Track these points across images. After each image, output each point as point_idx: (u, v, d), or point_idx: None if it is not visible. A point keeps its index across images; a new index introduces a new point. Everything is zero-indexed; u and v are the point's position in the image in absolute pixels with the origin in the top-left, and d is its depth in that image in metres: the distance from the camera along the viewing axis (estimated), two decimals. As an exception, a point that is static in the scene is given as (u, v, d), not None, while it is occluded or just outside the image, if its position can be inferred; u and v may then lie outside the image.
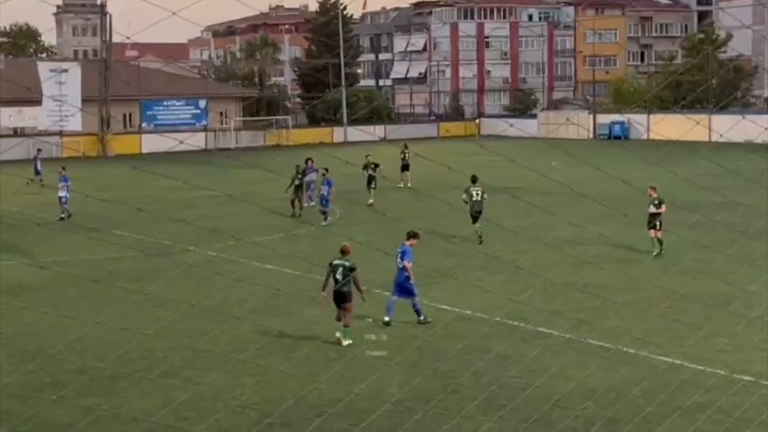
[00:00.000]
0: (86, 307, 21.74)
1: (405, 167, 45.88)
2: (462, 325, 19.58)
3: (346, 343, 18.27)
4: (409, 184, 44.04)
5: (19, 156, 61.13)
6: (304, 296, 21.77)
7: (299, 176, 36.98)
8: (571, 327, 18.79)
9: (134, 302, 21.58)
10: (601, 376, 15.73)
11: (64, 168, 38.13)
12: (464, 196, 30.00)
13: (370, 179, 39.76)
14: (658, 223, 27.32)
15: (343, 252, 18.81)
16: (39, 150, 53.26)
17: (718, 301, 20.55)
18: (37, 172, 49.85)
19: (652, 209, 27.45)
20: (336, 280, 18.45)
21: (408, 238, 20.28)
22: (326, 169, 34.74)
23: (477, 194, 30.00)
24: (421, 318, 19.74)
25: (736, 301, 20.78)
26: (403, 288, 19.73)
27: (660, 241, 27.31)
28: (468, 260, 25.96)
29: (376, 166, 40.01)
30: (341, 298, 18.33)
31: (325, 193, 34.49)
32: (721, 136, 42.02)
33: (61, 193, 36.36)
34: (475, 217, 29.75)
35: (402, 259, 19.78)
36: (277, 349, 18.15)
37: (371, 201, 38.72)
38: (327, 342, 18.35)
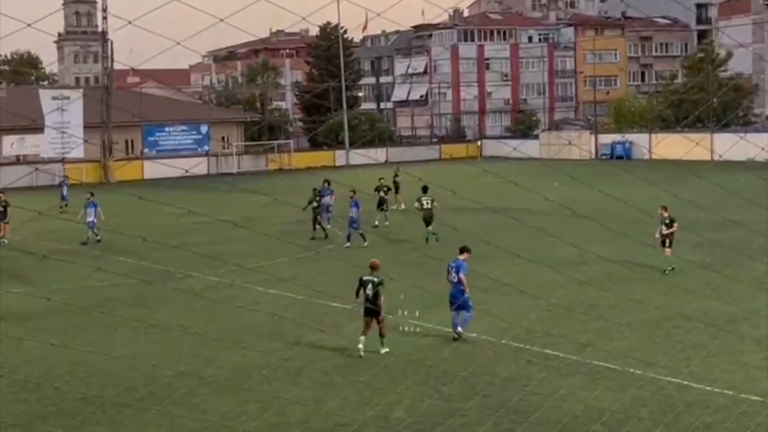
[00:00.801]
0: (90, 335, 21.71)
1: (397, 189, 46.01)
2: (468, 348, 19.52)
3: (384, 351, 19.00)
4: (402, 206, 44.25)
5: (23, 184, 61.30)
6: (308, 321, 21.76)
7: (317, 198, 37.29)
8: (577, 349, 18.73)
9: (138, 329, 21.56)
10: (609, 398, 15.67)
11: (92, 194, 38.64)
12: (416, 204, 35.08)
13: (381, 201, 39.88)
14: (668, 241, 27.55)
15: (373, 268, 19.52)
16: (65, 176, 53.74)
17: (722, 321, 20.50)
18: (63, 198, 50.23)
19: (664, 229, 27.68)
20: (366, 296, 19.19)
21: (461, 253, 20.91)
22: (353, 191, 35.10)
23: (427, 202, 34.78)
24: (459, 329, 20.16)
25: (740, 320, 20.75)
26: (457, 301, 20.23)
27: (669, 260, 27.47)
28: (472, 282, 25.82)
29: (388, 189, 40.36)
30: (372, 313, 19.03)
31: (354, 215, 34.78)
32: (719, 156, 42.03)
33: (89, 218, 37.11)
34: (428, 221, 34.44)
35: (457, 273, 20.41)
36: (282, 375, 18.08)
37: (377, 222, 38.95)
38: (333, 367, 18.28)
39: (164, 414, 15.85)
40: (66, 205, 48.83)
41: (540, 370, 17.36)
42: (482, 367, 17.77)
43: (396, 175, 46.55)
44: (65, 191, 50.98)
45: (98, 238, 37.49)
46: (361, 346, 18.89)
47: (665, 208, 27.89)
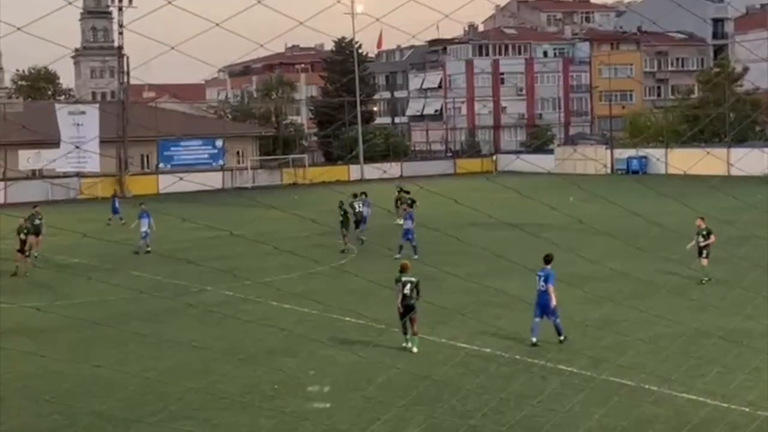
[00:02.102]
0: (102, 349, 21.68)
1: (398, 205, 46.03)
2: (481, 363, 19.39)
3: (416, 350, 20.25)
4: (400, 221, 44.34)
5: (38, 198, 61.41)
6: (321, 336, 21.68)
7: (343, 212, 37.67)
8: (591, 364, 18.59)
9: (150, 343, 21.48)
10: (623, 414, 15.52)
11: (144, 204, 39.71)
12: (349, 209, 38.64)
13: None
14: (705, 252, 28.26)
15: (404, 269, 21.00)
16: (115, 190, 53.99)
17: (738, 336, 20.28)
18: (116, 211, 50.65)
19: (701, 240, 28.39)
20: (404, 295, 20.58)
21: (547, 262, 21.46)
22: (412, 203, 35.26)
23: (359, 206, 39.53)
24: (562, 337, 20.88)
25: (756, 335, 20.54)
26: (547, 309, 20.93)
27: (706, 271, 28.19)
28: (485, 297, 25.74)
29: (413, 202, 40.57)
30: (410, 310, 20.42)
31: (409, 227, 35.10)
32: (730, 167, 41.85)
33: (142, 228, 38.23)
34: (357, 224, 38.79)
35: (546, 282, 21.05)
36: (294, 390, 17.99)
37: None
38: (345, 382, 18.18)
39: (176, 429, 15.78)
40: (119, 219, 49.43)
41: (557, 387, 17.21)
42: (496, 383, 17.64)
43: (400, 191, 46.69)
44: (117, 204, 51.39)
45: (149, 248, 38.15)
46: (408, 344, 20.41)
47: (703, 219, 28.65)
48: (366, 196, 40.84)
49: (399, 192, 46.62)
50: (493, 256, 32.34)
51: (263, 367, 19.21)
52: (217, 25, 7.54)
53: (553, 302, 20.96)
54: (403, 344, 20.43)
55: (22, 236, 33.43)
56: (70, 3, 7.09)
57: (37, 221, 36.57)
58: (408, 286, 20.63)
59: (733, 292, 24.22)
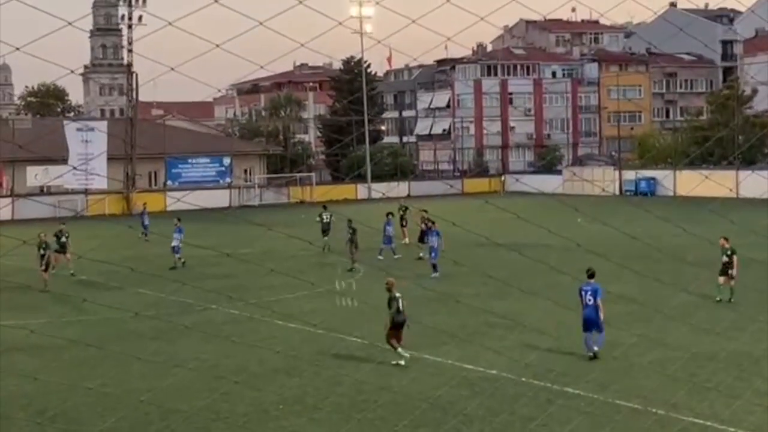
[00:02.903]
0: (108, 367, 21.58)
1: (404, 224, 46.45)
2: (486, 384, 19.26)
3: (403, 362, 20.67)
4: (406, 240, 44.66)
5: (46, 214, 61.47)
6: (326, 355, 21.60)
7: (350, 230, 37.70)
8: (598, 387, 18.46)
9: (155, 362, 21.38)
10: (629, 439, 15.38)
11: (179, 219, 40.42)
12: (317, 218, 43.98)
13: (423, 234, 40.33)
14: (730, 271, 28.53)
15: (392, 286, 21.30)
16: (144, 204, 54.14)
17: (745, 361, 20.17)
18: (144, 227, 50.64)
19: (725, 259, 28.70)
20: (398, 308, 21.05)
21: (591, 276, 21.89)
22: (433, 222, 35.99)
23: (327, 217, 43.88)
24: (597, 349, 21.16)
25: (763, 360, 20.41)
26: (595, 323, 21.26)
27: (731, 290, 28.33)
28: (492, 319, 25.62)
29: (431, 222, 40.38)
30: (403, 324, 21.02)
31: (435, 245, 35.26)
32: (738, 190, 41.77)
33: (174, 243, 38.77)
34: (325, 231, 43.11)
35: (594, 297, 21.39)
36: (299, 410, 17.88)
37: (422, 254, 39.33)
38: (350, 404, 18.07)
39: (179, 449, 15.68)
40: (146, 234, 49.36)
41: (560, 409, 17.09)
42: (501, 406, 17.52)
43: (402, 211, 47.09)
44: (146, 220, 51.46)
45: (183, 261, 38.80)
46: (401, 361, 20.66)
47: (726, 240, 28.95)
48: (392, 216, 41.68)
49: (404, 211, 46.67)
50: (501, 276, 32.32)
51: (268, 386, 19.12)
52: (218, 46, 7.51)
53: (602, 316, 21.34)
54: (395, 362, 20.66)
55: (42, 251, 33.92)
56: (70, 24, 7.04)
57: (63, 239, 36.77)
58: (400, 301, 21.11)
59: (740, 316, 24.13)
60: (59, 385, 19.46)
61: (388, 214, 41.23)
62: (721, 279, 28.64)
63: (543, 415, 16.83)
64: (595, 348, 21.23)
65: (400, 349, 20.86)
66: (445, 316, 25.67)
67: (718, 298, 28.25)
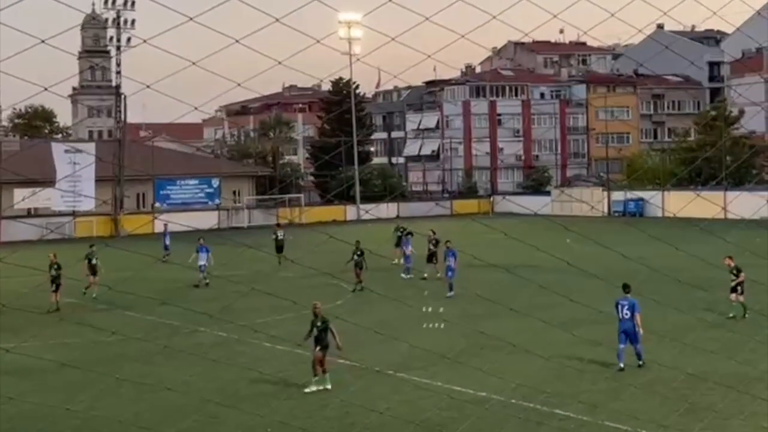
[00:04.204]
0: (95, 390, 21.41)
1: (398, 244, 46.69)
2: (475, 407, 19.15)
3: (329, 386, 20.72)
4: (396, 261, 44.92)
5: (33, 236, 61.30)
6: (312, 377, 21.49)
7: (358, 252, 37.87)
8: (587, 409, 18.37)
9: (143, 385, 21.22)
10: (620, 461, 15.28)
11: (203, 238, 41.76)
12: (273, 236, 48.58)
13: (431, 255, 40.77)
14: (739, 288, 29.30)
15: (318, 311, 21.56)
16: (166, 225, 54.12)
17: (735, 381, 20.09)
18: (166, 248, 51.09)
19: (732, 277, 29.52)
20: (322, 335, 21.17)
21: (627, 290, 22.93)
22: (449, 241, 36.23)
23: (280, 234, 48.67)
24: (641, 362, 22.26)
25: (753, 381, 20.35)
26: (632, 335, 22.31)
27: (744, 306, 29.00)
28: (482, 341, 25.53)
29: (437, 242, 40.80)
30: (326, 349, 21.05)
31: (452, 264, 35.54)
32: (726, 210, 41.85)
33: (201, 262, 39.76)
34: (280, 248, 46.91)
35: (632, 311, 22.39)
36: (287, 433, 17.76)
37: (426, 274, 39.80)
38: (339, 427, 17.95)
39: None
40: (167, 255, 49.78)
41: (548, 431, 17.00)
42: (491, 428, 17.43)
43: (400, 230, 47.37)
44: (167, 240, 51.66)
45: (207, 281, 39.52)
46: (323, 386, 20.66)
47: (731, 258, 29.76)
48: (412, 235, 42.61)
49: (402, 233, 46.78)
50: (489, 296, 32.24)
51: (256, 409, 18.99)
52: (194, 63, 7.46)
53: (641, 330, 22.32)
54: (316, 387, 20.63)
55: (53, 272, 34.16)
56: (43, 41, 6.98)
57: (93, 260, 36.68)
58: (330, 327, 21.14)
59: (730, 337, 24.07)
60: (47, 409, 19.27)
61: (407, 234, 42.67)
62: (732, 296, 29.36)
63: (532, 437, 16.75)
64: (639, 362, 22.20)
65: (321, 378, 20.79)
66: (434, 336, 25.56)
67: (731, 315, 28.92)
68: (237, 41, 7.62)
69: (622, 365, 22.04)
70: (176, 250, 51.19)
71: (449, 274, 35.79)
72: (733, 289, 29.43)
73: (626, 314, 22.43)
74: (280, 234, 49.01)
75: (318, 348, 20.88)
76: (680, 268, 28.70)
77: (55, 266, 34.52)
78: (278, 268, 42.56)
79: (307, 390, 20.44)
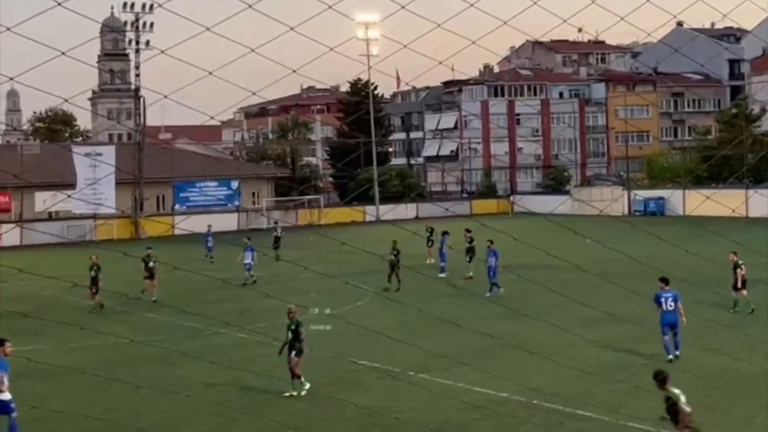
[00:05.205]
0: (116, 392, 21.49)
1: (429, 245, 47.21)
2: (497, 408, 19.09)
3: (304, 392, 20.50)
4: (429, 260, 45.73)
5: (54, 240, 61.59)
6: (333, 379, 21.49)
7: (394, 252, 38.11)
8: (609, 409, 18.28)
9: (164, 386, 21.28)
10: (641, 462, 15.21)
11: (249, 238, 43.73)
12: (273, 233, 52.17)
13: (468, 251, 41.08)
14: (738, 283, 29.80)
15: (293, 314, 21.28)
16: (209, 226, 54.50)
17: (756, 382, 19.97)
18: (209, 249, 51.74)
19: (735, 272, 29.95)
20: (296, 339, 20.90)
21: (666, 283, 23.18)
22: (491, 241, 35.95)
23: (279, 232, 52.80)
24: (678, 353, 22.65)
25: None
26: (674, 326, 22.76)
27: (747, 301, 29.57)
28: (502, 341, 25.46)
29: (472, 240, 41.37)
30: (300, 353, 20.83)
31: (493, 264, 35.65)
32: (748, 208, 41.61)
33: (246, 261, 41.16)
34: (277, 246, 49.28)
35: (675, 302, 22.98)
36: (307, 435, 17.77)
37: (470, 274, 40.04)
38: (359, 428, 17.92)
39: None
40: (211, 257, 50.96)
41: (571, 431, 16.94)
42: (512, 429, 17.36)
43: (429, 230, 47.52)
44: (210, 243, 52.27)
45: (254, 279, 40.67)
46: (297, 391, 20.43)
47: (735, 253, 30.01)
48: (448, 234, 42.94)
49: (431, 233, 46.96)
50: (509, 296, 32.21)
51: (275, 411, 19.00)
52: (210, 73, 7.46)
53: (684, 320, 22.90)
54: (290, 393, 20.46)
55: (92, 273, 34.78)
56: (64, 53, 6.99)
57: (151, 264, 36.94)
58: (301, 330, 20.98)
59: (751, 336, 23.93)
60: (67, 410, 19.33)
61: (444, 233, 42.82)
62: (734, 293, 29.72)
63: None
64: (677, 352, 22.60)
65: (299, 382, 20.66)
66: (454, 338, 25.49)
67: (734, 310, 29.33)
68: (253, 50, 7.61)
69: (671, 356, 22.45)
70: (196, 251, 51.30)
71: (490, 274, 35.80)
72: (742, 286, 29.69)
73: (670, 306, 22.90)
74: (279, 231, 53.52)
75: (293, 353, 20.72)
76: (698, 266, 28.53)
77: (96, 267, 35.06)
78: (299, 269, 42.56)
79: (286, 394, 20.36)
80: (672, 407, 13.77)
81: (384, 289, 36.67)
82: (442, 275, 40.93)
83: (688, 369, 21.20)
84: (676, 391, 13.92)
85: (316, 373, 22.23)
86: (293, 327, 20.96)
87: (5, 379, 17.08)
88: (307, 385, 20.62)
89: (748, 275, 30.16)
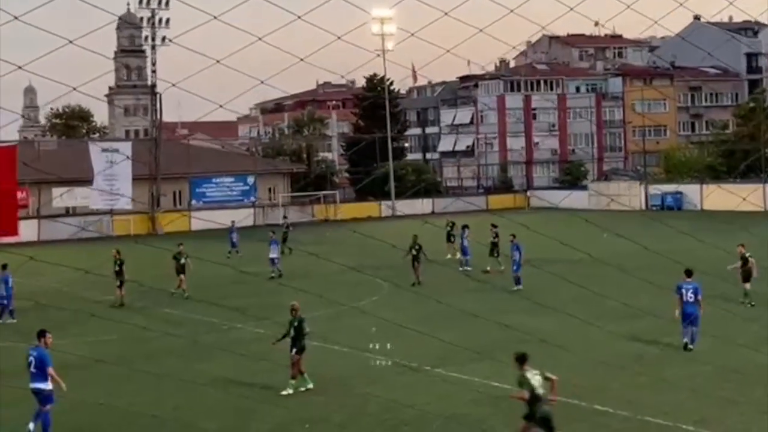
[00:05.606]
0: (135, 386, 21.60)
1: (451, 240, 46.87)
2: (513, 404, 19.04)
3: (311, 385, 20.40)
4: (449, 256, 45.41)
5: (71, 235, 61.87)
6: (351, 373, 21.52)
7: (416, 247, 38.20)
8: (627, 403, 18.25)
9: (182, 381, 21.36)
10: (659, 455, 15.17)
11: (273, 232, 44.77)
12: (284, 228, 50.70)
13: (493, 247, 41.19)
14: (741, 275, 29.97)
15: (295, 311, 21.26)
16: (233, 222, 54.76)
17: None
18: (233, 245, 52.02)
19: (740, 263, 30.10)
20: (300, 336, 20.76)
21: (689, 275, 23.47)
22: (513, 235, 36.01)
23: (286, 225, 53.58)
24: (692, 346, 22.88)
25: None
26: (694, 317, 22.96)
27: (746, 293, 29.74)
28: (519, 335, 25.40)
29: (497, 235, 41.26)
30: (303, 350, 20.73)
31: (517, 258, 35.61)
32: (755, 202, 41.47)
33: (273, 255, 41.81)
34: (285, 240, 48.23)
35: (695, 294, 23.22)
36: (325, 428, 17.80)
37: (501, 268, 39.81)
38: (378, 422, 17.94)
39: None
40: (237, 252, 51.22)
41: (589, 427, 16.92)
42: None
43: (449, 224, 47.33)
44: (235, 238, 52.40)
45: (281, 272, 41.04)
46: (307, 386, 20.37)
47: (743, 246, 30.22)
48: (467, 228, 42.81)
49: (451, 227, 46.85)
50: (531, 291, 32.18)
51: (294, 405, 19.05)
52: (218, 62, 7.48)
53: (702, 312, 23.13)
54: (293, 390, 20.23)
55: (116, 268, 35.12)
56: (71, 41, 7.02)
57: (182, 260, 37.10)
58: (304, 326, 20.86)
59: (758, 326, 23.92)
60: (86, 404, 19.40)
61: (464, 227, 42.76)
62: (746, 285, 29.84)
63: (570, 431, 16.66)
64: (691, 345, 22.83)
65: (301, 377, 20.50)
66: (470, 333, 25.47)
67: (741, 300, 29.40)
68: (260, 38, 7.61)
69: (686, 343, 22.96)
70: (212, 246, 51.36)
71: (514, 268, 35.79)
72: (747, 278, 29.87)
73: (690, 297, 23.07)
74: (288, 227, 54.43)
75: (294, 350, 20.58)
76: (715, 260, 28.47)
77: (119, 262, 35.41)
78: (315, 264, 42.61)
79: (283, 392, 20.12)
80: (523, 384, 15.18)
81: (412, 284, 36.80)
82: (468, 268, 40.87)
83: (707, 361, 21.16)
84: (533, 372, 15.15)
85: (334, 367, 22.28)
86: (296, 323, 20.87)
87: (51, 371, 17.50)
88: (310, 384, 20.51)
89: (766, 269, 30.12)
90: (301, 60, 8.43)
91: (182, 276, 36.82)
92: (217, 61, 7.78)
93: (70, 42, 7.44)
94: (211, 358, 24.43)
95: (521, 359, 15.26)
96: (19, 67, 7.54)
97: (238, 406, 19.15)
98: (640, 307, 24.31)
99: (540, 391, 14.89)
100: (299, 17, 7.72)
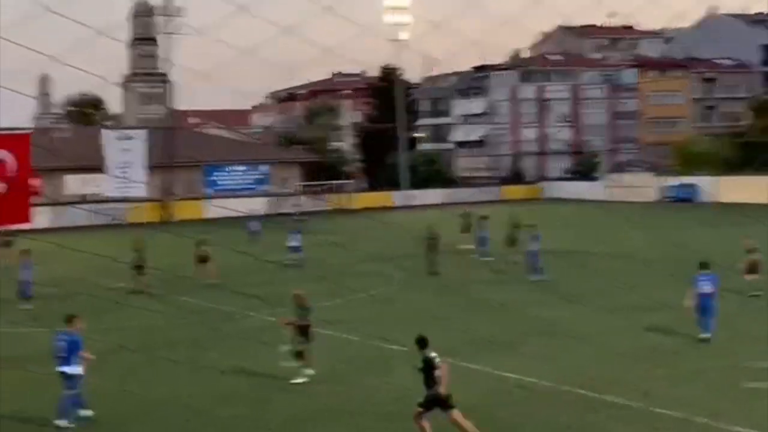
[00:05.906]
0: (151, 374, 21.68)
1: (468, 229, 46.70)
2: (526, 394, 19.09)
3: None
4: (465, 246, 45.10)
5: (84, 222, 62.02)
6: (365, 362, 21.56)
7: (433, 237, 38.21)
8: (641, 395, 18.23)
9: (198, 368, 21.46)
10: (673, 448, 15.18)
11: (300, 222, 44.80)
12: (296, 218, 46.40)
13: (514, 239, 41.02)
14: (744, 267, 29.66)
15: (300, 300, 21.38)
16: (251, 212, 55.04)
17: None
18: (253, 234, 52.33)
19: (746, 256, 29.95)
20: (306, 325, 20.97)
21: (705, 267, 23.37)
22: (533, 225, 36.22)
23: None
24: (708, 335, 22.74)
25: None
26: (710, 309, 22.96)
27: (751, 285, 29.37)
28: (533, 327, 25.44)
29: (517, 225, 41.20)
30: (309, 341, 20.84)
31: (534, 249, 35.40)
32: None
33: (293, 243, 41.85)
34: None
35: (712, 285, 23.13)
36: (337, 418, 17.84)
37: (511, 257, 39.67)
38: (386, 412, 17.98)
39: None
40: (257, 240, 50.99)
41: (600, 417, 16.93)
42: (541, 415, 17.35)
43: (465, 215, 47.39)
44: (254, 226, 52.61)
45: (293, 262, 40.64)
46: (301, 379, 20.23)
47: (748, 238, 30.21)
48: (486, 218, 42.86)
49: (466, 218, 46.94)
50: (546, 283, 32.19)
51: (307, 393, 19.12)
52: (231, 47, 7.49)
53: (716, 302, 23.05)
54: (302, 379, 20.33)
55: (136, 255, 35.27)
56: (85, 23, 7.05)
57: (204, 248, 37.34)
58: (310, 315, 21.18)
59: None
60: (102, 391, 19.46)
61: (482, 218, 42.82)
62: (749, 277, 29.57)
63: (584, 424, 16.68)
64: (707, 334, 22.70)
65: (303, 365, 20.56)
66: (486, 324, 25.50)
67: (750, 294, 29.01)
68: (268, 25, 7.64)
69: (702, 335, 22.82)
70: (229, 234, 51.45)
71: (534, 258, 35.62)
72: (753, 270, 29.67)
73: (706, 290, 23.04)
74: (299, 216, 57.37)
75: (300, 340, 20.68)
76: (729, 252, 28.43)
77: (139, 250, 35.62)
78: (328, 253, 42.74)
79: (293, 381, 20.17)
80: (428, 367, 15.47)
81: (430, 273, 36.70)
82: (487, 258, 40.79)
83: (722, 355, 21.16)
84: (433, 354, 15.49)
85: (348, 356, 22.34)
86: (300, 313, 21.06)
87: (83, 354, 17.83)
88: (310, 371, 20.50)
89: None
90: (309, 41, 8.44)
91: (204, 264, 36.86)
92: (229, 48, 7.79)
93: (83, 24, 7.47)
94: (225, 346, 24.53)
95: (421, 342, 15.70)
96: (34, 51, 7.56)
97: (250, 395, 19.24)
98: (657, 299, 24.33)
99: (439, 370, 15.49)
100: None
